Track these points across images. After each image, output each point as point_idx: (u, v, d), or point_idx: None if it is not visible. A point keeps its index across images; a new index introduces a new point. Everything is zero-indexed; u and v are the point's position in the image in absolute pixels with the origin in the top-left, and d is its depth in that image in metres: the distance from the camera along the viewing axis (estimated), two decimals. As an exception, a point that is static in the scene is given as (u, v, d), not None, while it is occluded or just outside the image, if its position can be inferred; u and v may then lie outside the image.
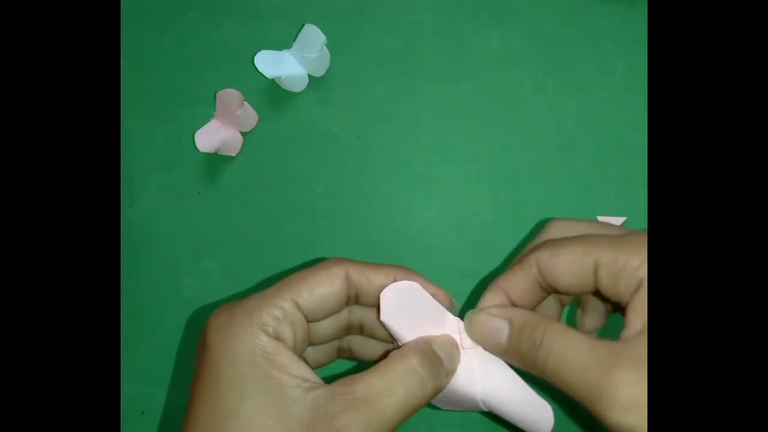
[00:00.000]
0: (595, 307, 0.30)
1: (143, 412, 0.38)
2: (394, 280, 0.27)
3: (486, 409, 0.28)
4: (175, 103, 0.40)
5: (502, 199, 0.39)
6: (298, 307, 0.26)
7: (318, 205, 0.39)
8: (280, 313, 0.25)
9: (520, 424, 0.28)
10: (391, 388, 0.25)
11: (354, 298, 0.28)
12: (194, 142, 0.39)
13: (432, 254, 0.38)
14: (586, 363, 0.24)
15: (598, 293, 0.27)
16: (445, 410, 0.30)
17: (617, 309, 0.29)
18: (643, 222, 0.38)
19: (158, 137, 0.40)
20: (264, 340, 0.25)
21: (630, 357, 0.23)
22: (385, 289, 0.27)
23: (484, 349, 0.28)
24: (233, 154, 0.39)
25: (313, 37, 0.39)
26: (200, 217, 0.39)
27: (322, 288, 0.26)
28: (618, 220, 0.38)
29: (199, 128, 0.39)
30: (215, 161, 0.40)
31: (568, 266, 0.26)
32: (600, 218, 0.38)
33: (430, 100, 0.39)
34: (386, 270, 0.27)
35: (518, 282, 0.28)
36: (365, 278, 0.27)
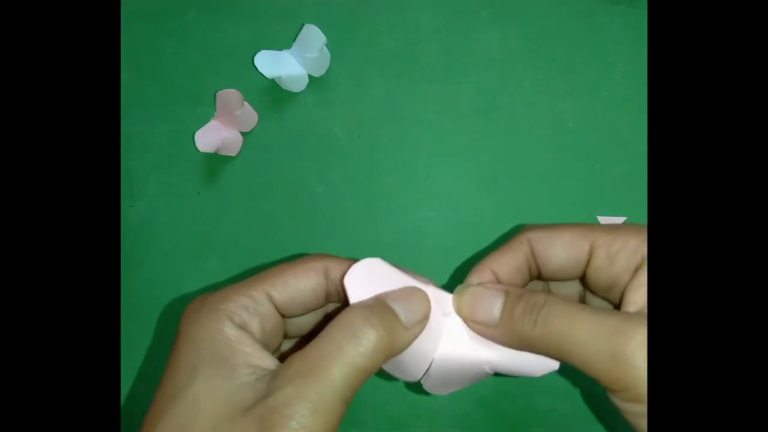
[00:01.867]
0: (574, 293, 0.30)
1: (143, 412, 0.38)
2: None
3: (491, 372, 0.27)
4: (175, 103, 0.40)
5: (502, 199, 0.39)
6: (271, 299, 0.25)
7: (318, 205, 0.39)
8: (249, 302, 0.25)
9: (529, 372, 0.26)
10: (333, 355, 0.23)
11: (335, 295, 0.27)
12: (194, 142, 0.39)
13: (432, 254, 0.38)
14: (596, 333, 0.23)
15: (582, 280, 0.27)
16: (447, 394, 0.28)
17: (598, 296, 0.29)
18: (643, 222, 0.38)
19: (158, 137, 0.40)
20: (227, 326, 0.24)
21: (644, 324, 0.23)
22: (348, 272, 0.25)
23: (471, 325, 0.26)
24: (233, 154, 0.39)
25: (313, 37, 0.39)
26: (200, 217, 0.39)
27: (297, 281, 0.26)
28: (618, 220, 0.38)
29: (199, 128, 0.39)
30: (215, 161, 0.40)
31: (564, 246, 0.26)
32: (600, 218, 0.38)
33: (430, 100, 0.39)
34: (348, 262, 0.26)
35: (507, 261, 0.27)
36: (339, 268, 0.26)
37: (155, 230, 0.39)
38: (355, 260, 0.26)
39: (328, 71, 0.40)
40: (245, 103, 0.39)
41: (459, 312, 0.26)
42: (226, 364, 0.24)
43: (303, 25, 0.39)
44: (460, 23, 0.40)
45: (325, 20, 0.39)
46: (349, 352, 0.23)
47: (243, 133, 0.40)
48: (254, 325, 0.25)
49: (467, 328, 0.26)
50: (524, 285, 0.28)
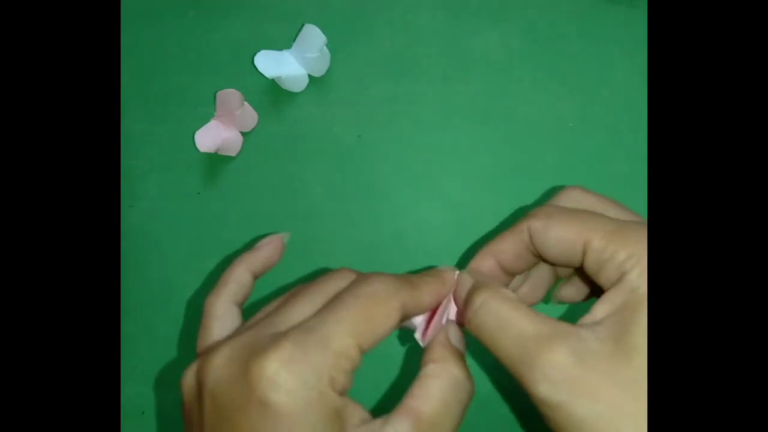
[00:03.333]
0: (576, 281, 0.30)
1: (143, 412, 0.38)
2: (437, 297, 0.27)
3: None
4: (175, 103, 0.40)
5: (503, 199, 0.39)
6: (361, 349, 0.24)
7: (318, 205, 0.39)
8: (348, 365, 0.23)
9: None
10: (445, 404, 0.24)
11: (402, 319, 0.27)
12: (194, 142, 0.39)
13: (432, 254, 0.38)
14: (525, 333, 0.23)
15: (582, 271, 0.27)
16: None
17: (594, 294, 0.29)
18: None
19: (158, 137, 0.40)
20: (335, 399, 0.23)
21: (573, 337, 0.23)
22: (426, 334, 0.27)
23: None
24: (233, 154, 0.39)
25: (313, 37, 0.39)
26: (200, 217, 0.39)
27: (382, 328, 0.25)
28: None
29: (199, 128, 0.39)
30: (215, 161, 0.40)
31: (557, 241, 0.26)
32: (600, 218, 0.38)
33: (430, 101, 0.39)
34: (429, 290, 0.27)
35: (509, 247, 0.28)
36: (416, 303, 0.26)
37: (155, 230, 0.39)
38: (415, 285, 0.27)
39: (328, 71, 0.40)
40: (245, 103, 0.39)
41: (455, 295, 0.28)
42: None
43: (303, 25, 0.39)
44: (460, 23, 0.40)
45: (325, 20, 0.39)
46: (461, 399, 0.24)
47: (243, 133, 0.40)
48: (350, 384, 0.24)
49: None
50: (531, 265, 0.29)
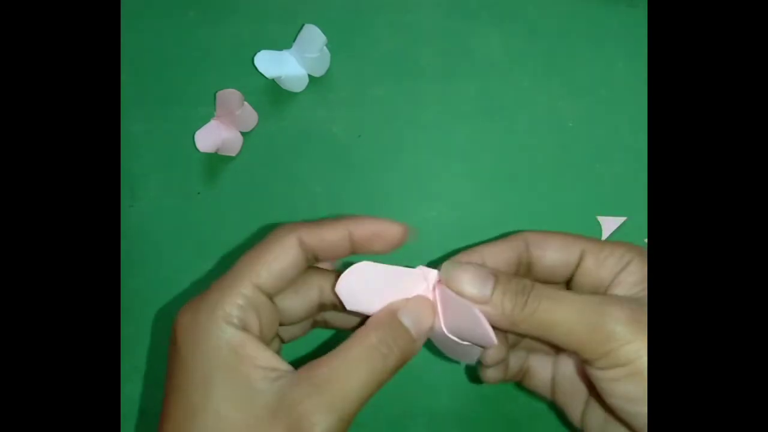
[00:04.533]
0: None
1: (143, 412, 0.38)
2: (348, 234, 0.27)
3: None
4: (175, 103, 0.40)
5: (502, 199, 0.39)
6: (259, 288, 0.26)
7: (318, 205, 0.39)
8: (242, 300, 0.25)
9: (456, 356, 0.29)
10: (353, 368, 0.25)
11: (313, 260, 0.28)
12: (194, 142, 0.39)
13: (432, 254, 0.38)
14: (577, 309, 0.25)
15: (567, 285, 0.29)
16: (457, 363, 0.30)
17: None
18: (643, 222, 0.38)
19: (158, 137, 0.40)
20: (230, 332, 0.25)
21: (623, 300, 0.26)
22: (337, 284, 0.26)
23: (460, 298, 0.27)
24: (233, 154, 0.39)
25: (313, 37, 0.39)
26: (200, 217, 0.39)
27: (279, 262, 0.26)
28: (618, 220, 0.38)
29: (199, 128, 0.39)
30: (215, 161, 0.40)
31: (558, 247, 0.28)
32: (600, 218, 0.38)
33: (430, 100, 0.39)
34: (336, 225, 0.27)
35: (499, 253, 0.29)
36: (318, 238, 0.27)
37: (155, 230, 0.39)
38: (320, 222, 0.27)
39: (328, 71, 0.40)
40: (245, 103, 0.39)
41: (449, 284, 0.27)
42: (237, 373, 0.24)
43: (303, 25, 0.39)
44: (460, 23, 0.40)
45: (325, 20, 0.39)
46: (367, 368, 0.25)
47: (243, 133, 0.40)
48: (253, 322, 0.25)
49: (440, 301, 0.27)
50: None
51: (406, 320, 0.26)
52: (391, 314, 0.26)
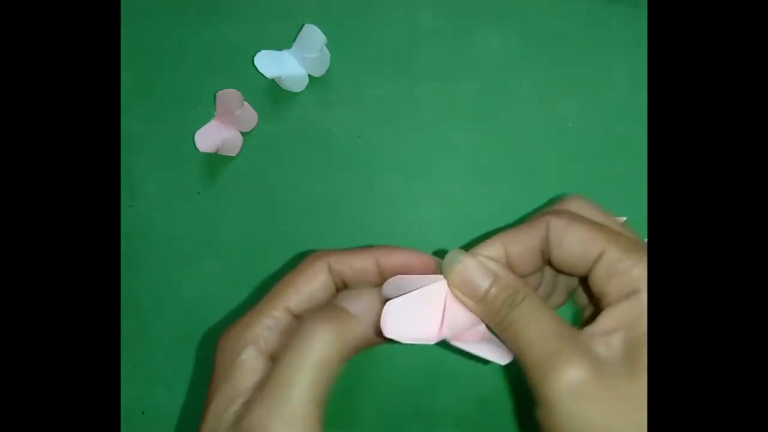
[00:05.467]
0: (563, 287, 0.31)
1: (143, 412, 0.38)
2: (377, 263, 0.28)
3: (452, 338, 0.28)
4: (175, 103, 0.40)
5: (502, 199, 0.39)
6: (289, 310, 0.27)
7: (318, 205, 0.39)
8: (271, 322, 0.27)
9: (480, 353, 0.28)
10: (293, 358, 0.25)
11: (342, 285, 0.29)
12: (194, 142, 0.39)
13: (432, 254, 0.38)
14: (547, 342, 0.24)
15: (583, 278, 0.27)
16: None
17: (589, 298, 0.30)
18: (643, 222, 0.38)
19: (158, 137, 0.40)
20: (247, 353, 0.26)
21: (590, 352, 0.24)
22: (384, 311, 0.26)
23: (454, 292, 0.27)
24: (233, 154, 0.40)
25: (313, 37, 0.39)
26: (200, 217, 0.39)
27: (309, 286, 0.28)
28: (618, 221, 0.38)
29: (199, 128, 0.39)
30: (215, 161, 0.40)
31: (577, 241, 0.26)
32: (600, 218, 0.38)
33: (430, 100, 0.39)
34: (365, 254, 0.29)
35: (522, 240, 0.27)
36: (347, 266, 0.28)
37: (155, 230, 0.39)
38: (349, 251, 0.28)
39: (328, 71, 0.40)
40: (245, 103, 0.39)
41: (446, 277, 0.27)
42: (233, 387, 0.26)
43: (303, 25, 0.39)
44: (460, 23, 0.40)
45: (325, 20, 0.39)
46: (304, 352, 0.25)
47: (243, 133, 0.40)
48: (274, 339, 0.27)
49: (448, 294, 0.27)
50: (534, 269, 0.28)
51: (343, 301, 0.27)
52: (327, 302, 0.28)
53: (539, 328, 0.25)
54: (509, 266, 0.28)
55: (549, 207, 0.29)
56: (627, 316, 0.25)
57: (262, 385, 0.25)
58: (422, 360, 0.37)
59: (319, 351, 0.25)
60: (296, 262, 0.38)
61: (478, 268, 0.26)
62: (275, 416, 0.24)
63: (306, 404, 0.24)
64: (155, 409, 0.38)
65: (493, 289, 0.26)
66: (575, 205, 0.29)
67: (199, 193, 0.39)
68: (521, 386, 0.33)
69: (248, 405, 0.25)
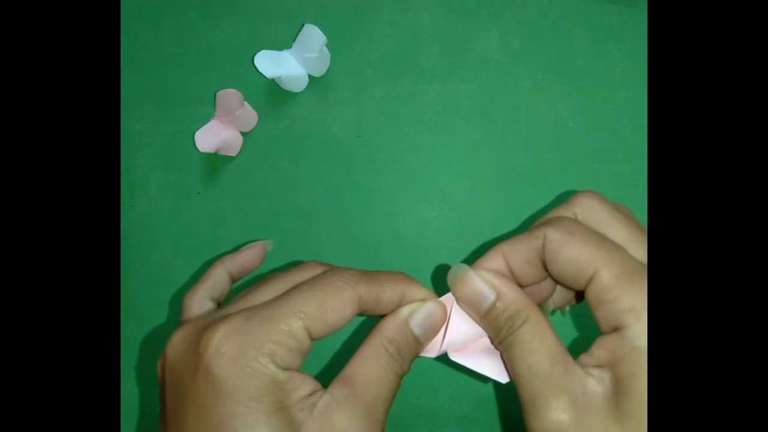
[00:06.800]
0: (567, 293, 0.30)
1: (143, 412, 0.38)
2: (402, 296, 0.27)
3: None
4: (175, 103, 0.40)
5: (503, 199, 0.39)
6: (311, 334, 0.25)
7: (318, 205, 0.39)
8: (294, 344, 0.24)
9: (482, 370, 0.29)
10: (378, 370, 0.25)
11: (362, 313, 0.27)
12: (194, 142, 0.39)
13: (432, 254, 0.38)
14: (542, 370, 0.25)
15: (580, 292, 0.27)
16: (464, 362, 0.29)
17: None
18: (643, 222, 0.38)
19: (158, 137, 0.40)
20: (276, 371, 0.24)
21: (578, 389, 0.24)
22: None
23: (460, 304, 0.27)
24: (233, 154, 0.40)
25: (313, 37, 0.39)
26: (200, 217, 0.39)
27: (335, 315, 0.25)
28: (630, 225, 0.38)
29: (199, 128, 0.39)
30: (215, 161, 0.40)
31: (569, 261, 0.25)
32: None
33: (430, 100, 0.39)
34: (394, 286, 0.27)
35: (521, 251, 0.27)
36: (375, 299, 0.27)
37: (155, 230, 0.39)
38: (378, 280, 0.27)
39: (328, 71, 0.40)
40: (245, 103, 0.39)
41: (452, 290, 0.27)
42: (283, 412, 0.24)
43: (303, 25, 0.39)
44: (460, 23, 0.40)
45: (325, 20, 0.39)
46: (389, 376, 0.26)
47: (243, 133, 0.40)
48: (299, 360, 0.25)
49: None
50: (538, 278, 0.28)
51: (418, 330, 0.27)
52: (404, 323, 0.27)
53: (532, 360, 0.25)
54: (513, 276, 0.27)
55: (555, 208, 0.28)
56: (612, 354, 0.24)
57: (347, 395, 0.25)
58: (422, 360, 0.37)
59: (396, 381, 0.26)
60: (296, 262, 0.38)
61: (482, 283, 0.26)
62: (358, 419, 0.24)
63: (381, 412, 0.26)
64: (155, 409, 0.38)
65: (498, 305, 0.26)
66: (585, 205, 0.28)
67: (199, 193, 0.39)
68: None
69: (329, 412, 0.24)
